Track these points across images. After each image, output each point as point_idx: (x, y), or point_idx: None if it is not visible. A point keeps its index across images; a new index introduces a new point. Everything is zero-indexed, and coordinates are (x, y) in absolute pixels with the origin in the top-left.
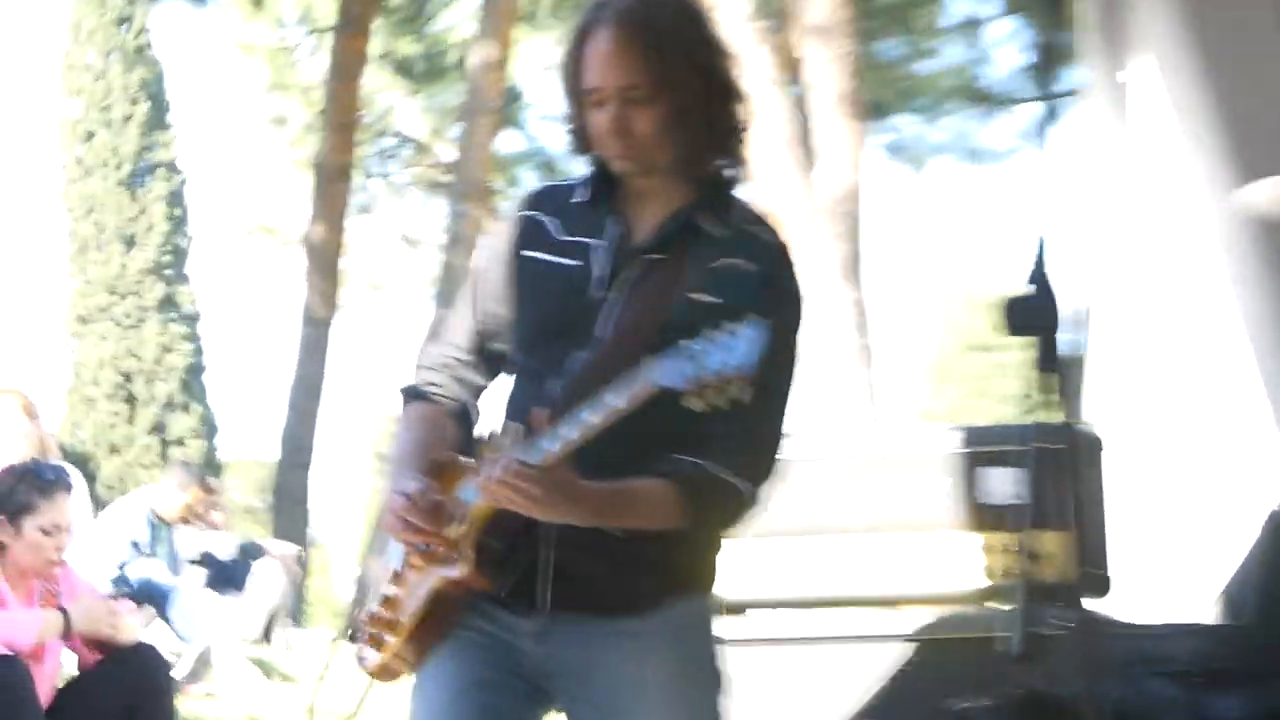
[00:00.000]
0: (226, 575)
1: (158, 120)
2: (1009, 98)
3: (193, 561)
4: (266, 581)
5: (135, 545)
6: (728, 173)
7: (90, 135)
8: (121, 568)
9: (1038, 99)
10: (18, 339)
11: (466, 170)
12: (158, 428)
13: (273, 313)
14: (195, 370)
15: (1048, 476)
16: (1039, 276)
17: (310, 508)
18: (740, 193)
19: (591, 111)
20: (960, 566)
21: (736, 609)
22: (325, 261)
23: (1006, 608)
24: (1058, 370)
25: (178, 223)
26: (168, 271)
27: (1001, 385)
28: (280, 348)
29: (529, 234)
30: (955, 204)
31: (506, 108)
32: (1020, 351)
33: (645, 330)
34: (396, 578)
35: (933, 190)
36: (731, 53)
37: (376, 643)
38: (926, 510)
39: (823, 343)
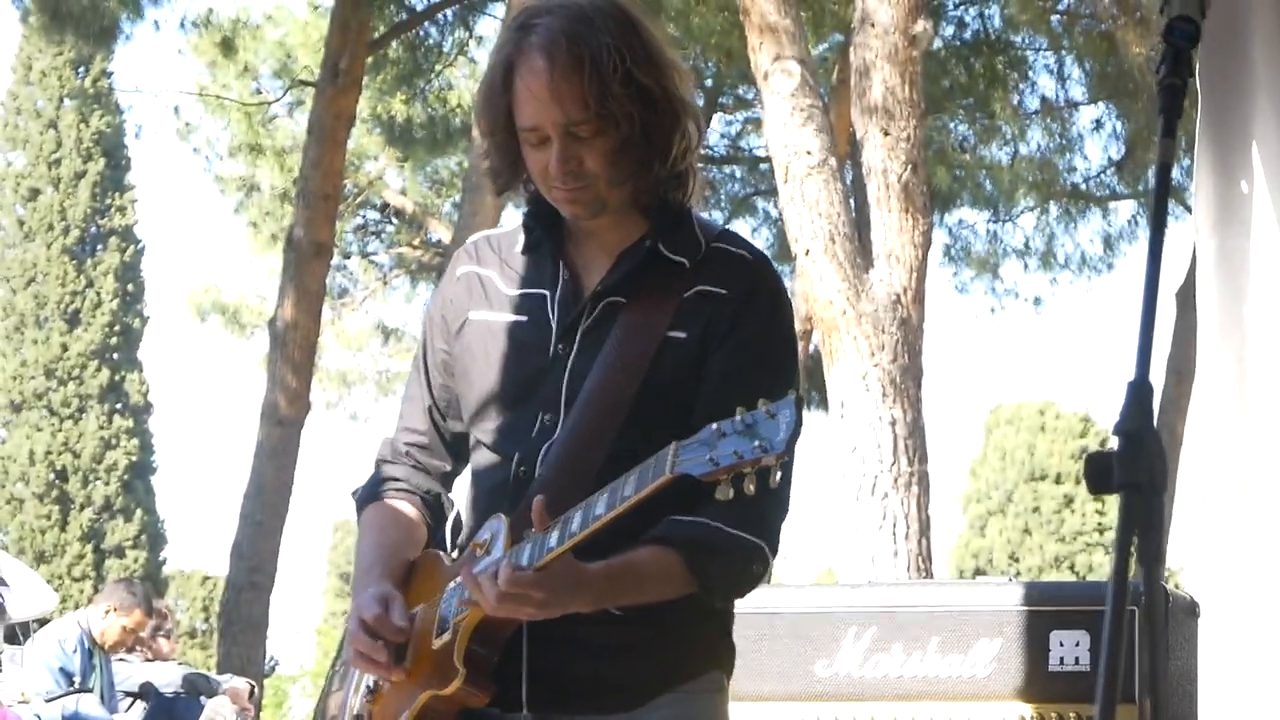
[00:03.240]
0: (169, 712)
1: (115, 181)
2: (1101, 194)
3: (130, 695)
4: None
5: (66, 674)
6: (680, 196)
7: (34, 194)
8: (49, 701)
9: (1129, 197)
10: None
11: None
12: (93, 534)
13: (232, 409)
14: (140, 470)
15: (1122, 643)
16: (1133, 426)
17: (266, 634)
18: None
19: (531, 152)
20: None
21: None
22: (295, 352)
23: None
24: (1143, 531)
25: (130, 300)
26: (115, 355)
27: (1066, 522)
28: (239, 449)
29: (472, 293)
30: (1029, 317)
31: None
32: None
33: (623, 386)
34: (371, 694)
35: (1004, 299)
36: (672, 60)
37: None
38: (986, 676)
39: (868, 469)
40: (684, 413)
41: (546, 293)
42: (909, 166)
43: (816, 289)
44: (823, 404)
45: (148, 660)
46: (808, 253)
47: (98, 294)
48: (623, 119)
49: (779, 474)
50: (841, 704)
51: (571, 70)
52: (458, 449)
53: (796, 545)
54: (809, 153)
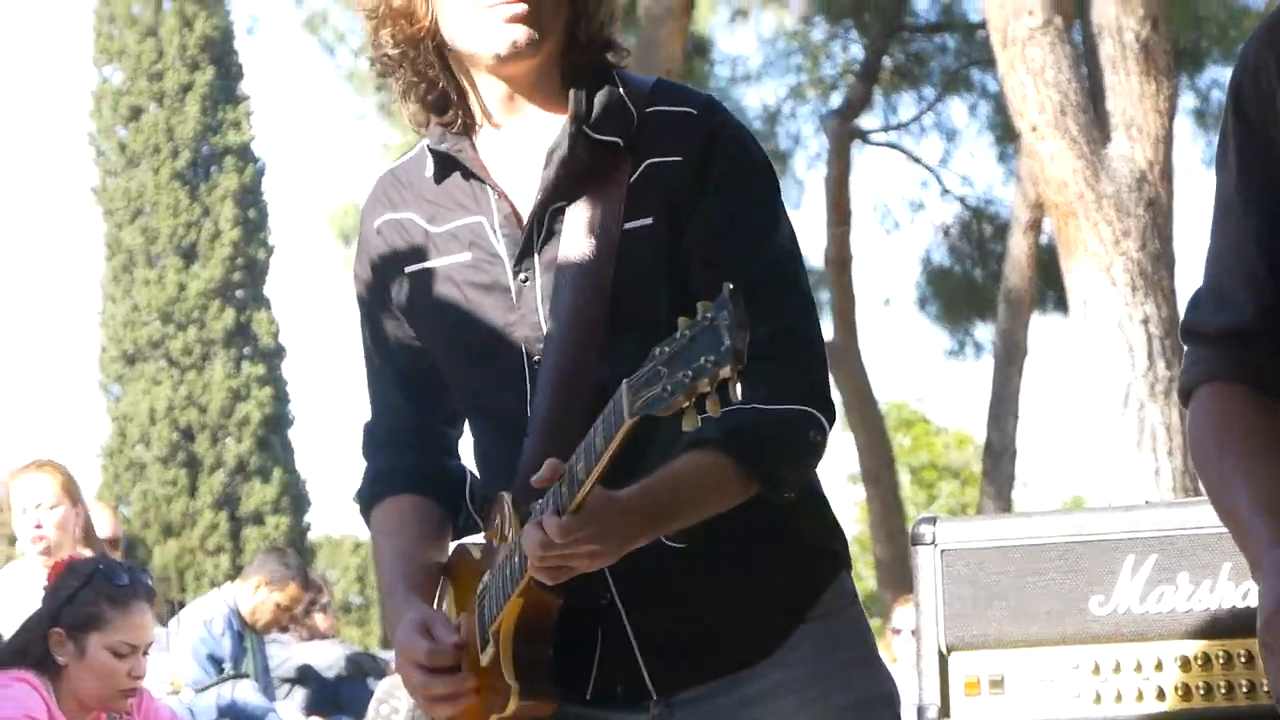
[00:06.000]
0: (334, 696)
1: (226, 91)
2: None
3: (288, 680)
4: (386, 704)
5: (215, 661)
6: (608, 56)
7: (136, 112)
8: (200, 691)
9: None
10: (38, 386)
11: None
12: (227, 500)
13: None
14: (276, 424)
15: None
16: None
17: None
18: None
19: None
20: None
21: None
22: None
23: None
24: None
25: (252, 228)
26: (239, 293)
27: None
28: None
29: (399, 243)
30: None
31: (689, 67)
32: None
33: (592, 302)
34: None
35: None
36: None
37: None
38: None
39: (1119, 377)
40: (669, 307)
41: (482, 219)
42: (1148, 22)
43: (1047, 169)
44: (1060, 304)
45: (304, 640)
46: (1034, 129)
47: (215, 224)
48: None
49: (738, 385)
50: (1123, 645)
51: None
52: (446, 410)
53: (1037, 470)
54: (1030, 13)
